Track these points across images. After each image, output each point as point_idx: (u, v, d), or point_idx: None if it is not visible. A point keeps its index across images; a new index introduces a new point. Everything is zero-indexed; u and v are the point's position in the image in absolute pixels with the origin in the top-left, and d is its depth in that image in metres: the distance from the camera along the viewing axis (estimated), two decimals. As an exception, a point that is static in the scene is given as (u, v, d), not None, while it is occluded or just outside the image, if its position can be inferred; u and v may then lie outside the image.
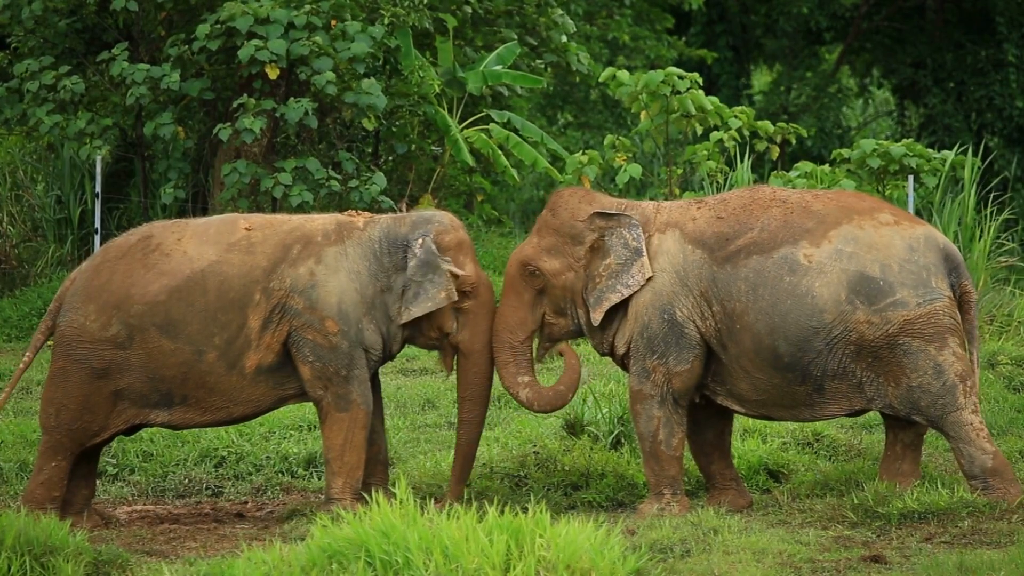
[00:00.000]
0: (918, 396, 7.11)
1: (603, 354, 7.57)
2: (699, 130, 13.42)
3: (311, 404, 7.57)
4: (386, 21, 13.56)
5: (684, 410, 7.39)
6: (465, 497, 7.53)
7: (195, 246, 7.31)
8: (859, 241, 7.18)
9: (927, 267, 7.18)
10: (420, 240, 7.45)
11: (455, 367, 7.61)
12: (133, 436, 8.52)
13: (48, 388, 7.33)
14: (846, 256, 7.16)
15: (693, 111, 13.17)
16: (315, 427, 8.97)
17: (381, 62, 13.79)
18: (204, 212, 13.62)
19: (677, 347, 7.30)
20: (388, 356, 7.50)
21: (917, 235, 7.23)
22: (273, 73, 12.88)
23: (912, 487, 7.22)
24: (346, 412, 7.30)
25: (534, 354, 7.68)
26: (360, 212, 7.61)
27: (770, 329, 7.17)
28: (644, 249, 7.35)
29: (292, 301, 7.29)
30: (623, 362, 7.49)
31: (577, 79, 17.34)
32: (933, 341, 7.10)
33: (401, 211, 13.85)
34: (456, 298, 7.43)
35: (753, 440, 8.38)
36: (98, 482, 8.22)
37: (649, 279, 7.33)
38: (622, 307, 7.42)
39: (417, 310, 7.41)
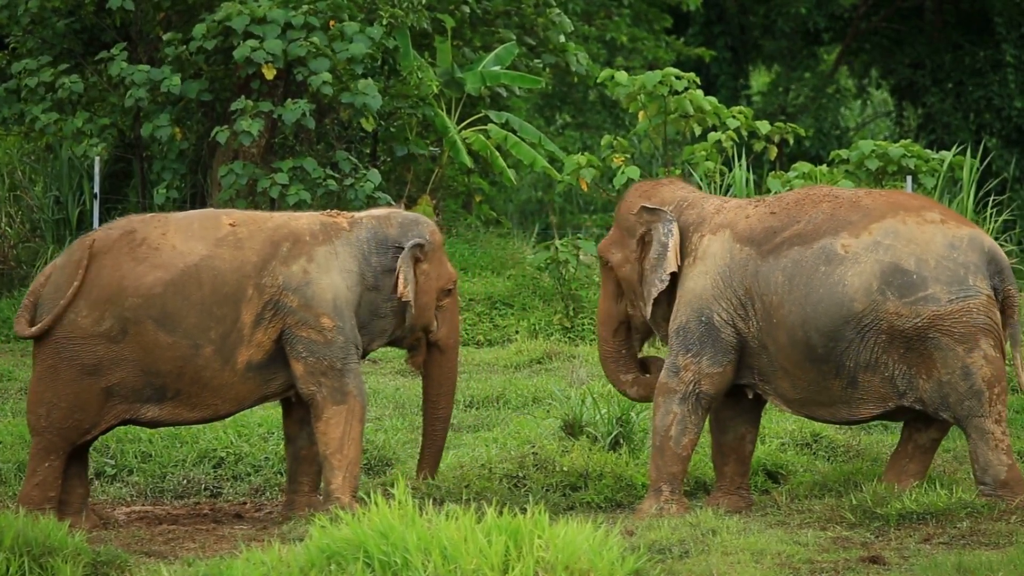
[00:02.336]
0: (947, 392, 7.08)
1: None
2: (697, 131, 13.42)
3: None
4: (384, 21, 13.56)
5: (704, 412, 7.40)
6: (464, 498, 7.53)
7: (182, 240, 7.32)
8: (899, 235, 7.16)
9: (966, 265, 7.12)
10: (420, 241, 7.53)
11: (427, 364, 7.74)
12: (133, 437, 8.52)
13: (36, 388, 7.27)
14: (883, 248, 7.14)
15: (691, 111, 13.17)
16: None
17: (380, 63, 13.79)
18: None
19: (713, 349, 7.32)
20: (362, 356, 7.56)
21: (961, 235, 7.19)
22: (270, 74, 12.87)
23: (911, 488, 7.22)
24: (343, 404, 7.32)
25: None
26: (340, 212, 7.65)
27: (803, 320, 7.17)
28: (671, 244, 7.43)
29: (286, 299, 7.30)
30: None
31: (575, 79, 17.35)
32: (963, 341, 7.06)
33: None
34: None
35: (751, 441, 8.38)
36: (97, 483, 8.23)
37: (690, 278, 7.38)
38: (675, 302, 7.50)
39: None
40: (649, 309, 7.53)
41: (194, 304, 7.24)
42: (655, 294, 7.47)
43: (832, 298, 7.14)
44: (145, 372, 7.24)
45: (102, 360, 7.22)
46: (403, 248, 7.47)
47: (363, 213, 7.66)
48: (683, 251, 7.50)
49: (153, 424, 7.41)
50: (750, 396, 7.47)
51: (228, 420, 8.54)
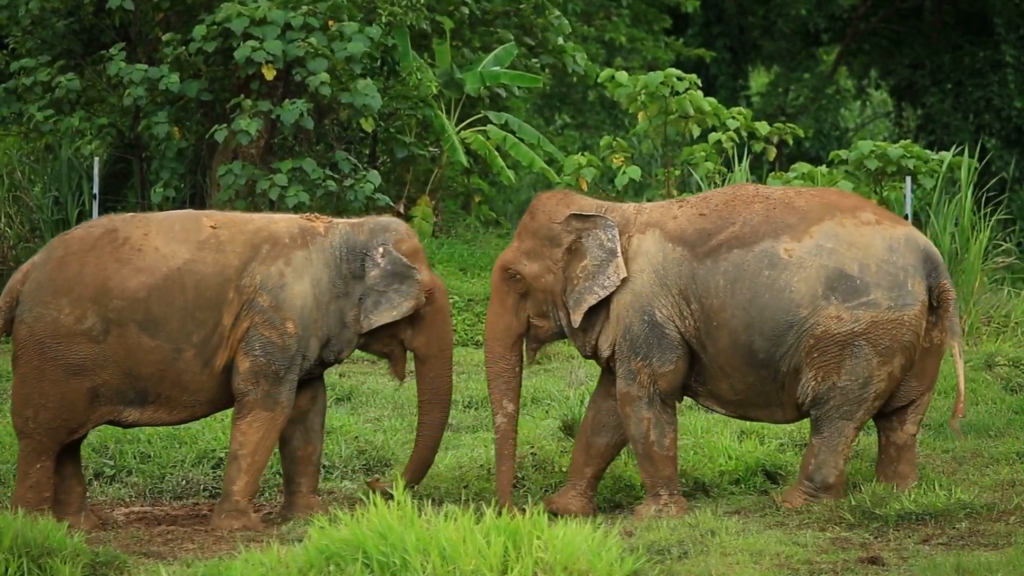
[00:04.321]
0: (835, 395, 7.16)
1: (587, 356, 7.58)
2: (696, 131, 13.42)
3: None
4: (383, 20, 13.56)
5: (673, 409, 7.42)
6: (462, 498, 7.53)
7: (165, 243, 7.31)
8: (840, 238, 7.20)
9: (905, 268, 7.19)
10: (381, 249, 7.46)
11: (415, 373, 7.67)
12: (131, 438, 8.52)
13: (21, 391, 7.24)
14: (826, 252, 7.18)
15: (691, 112, 13.16)
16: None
17: (379, 63, 13.79)
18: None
19: (660, 348, 7.31)
20: (324, 363, 7.51)
21: (898, 236, 7.25)
22: (269, 74, 12.88)
23: (910, 489, 7.22)
24: (270, 412, 7.32)
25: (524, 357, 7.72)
26: (319, 216, 7.62)
27: (747, 324, 7.19)
28: (619, 250, 7.36)
29: (259, 298, 7.31)
30: (608, 364, 7.50)
31: (574, 79, 17.35)
32: (882, 354, 7.14)
33: (399, 212, 13.89)
34: (423, 304, 7.50)
35: (750, 441, 8.38)
36: (95, 484, 8.22)
37: (626, 280, 7.34)
38: (604, 309, 7.43)
39: (378, 319, 7.45)
40: (579, 317, 7.39)
41: (177, 309, 7.25)
42: (593, 301, 7.36)
43: (778, 303, 7.17)
44: (127, 375, 7.23)
45: (86, 360, 7.21)
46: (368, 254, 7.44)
47: (342, 219, 7.64)
48: None
49: (132, 426, 7.43)
50: (679, 400, 7.48)
51: (227, 421, 8.54)
